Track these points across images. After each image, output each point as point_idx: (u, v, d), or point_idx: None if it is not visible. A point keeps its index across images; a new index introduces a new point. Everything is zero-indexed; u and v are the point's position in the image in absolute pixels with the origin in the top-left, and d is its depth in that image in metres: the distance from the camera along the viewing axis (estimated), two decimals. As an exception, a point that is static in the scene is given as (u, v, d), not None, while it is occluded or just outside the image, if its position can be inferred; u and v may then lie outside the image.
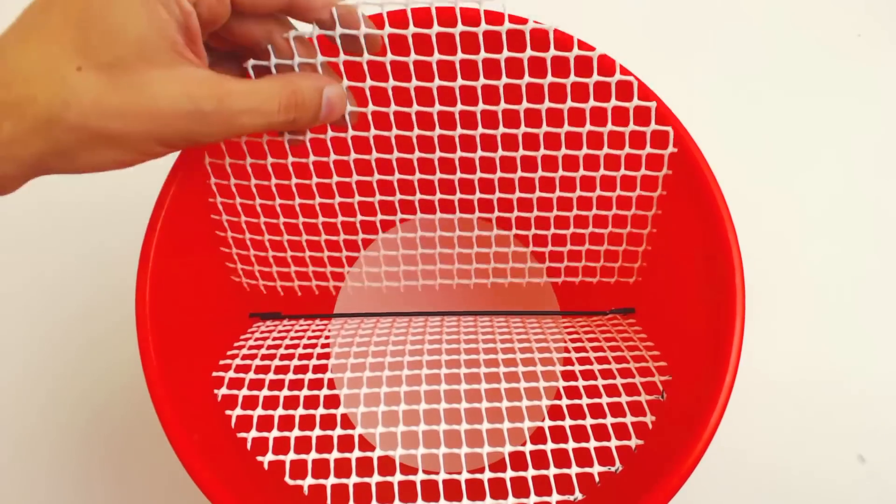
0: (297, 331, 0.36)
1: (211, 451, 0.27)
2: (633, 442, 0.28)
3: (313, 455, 0.27)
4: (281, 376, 0.31)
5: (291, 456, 0.27)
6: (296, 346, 0.34)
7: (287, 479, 0.27)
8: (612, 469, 0.27)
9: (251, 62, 0.27)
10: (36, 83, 0.21)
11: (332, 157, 0.31)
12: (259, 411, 0.29)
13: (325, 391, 0.30)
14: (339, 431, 0.28)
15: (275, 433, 0.28)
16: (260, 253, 0.35)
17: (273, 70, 0.27)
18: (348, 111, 0.29)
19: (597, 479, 0.27)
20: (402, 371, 0.31)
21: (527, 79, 0.29)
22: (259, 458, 0.28)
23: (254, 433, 0.29)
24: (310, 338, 0.35)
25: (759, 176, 0.48)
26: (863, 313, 0.46)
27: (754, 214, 0.39)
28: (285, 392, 0.30)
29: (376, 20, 0.28)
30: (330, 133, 0.30)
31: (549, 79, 0.29)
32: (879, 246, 0.47)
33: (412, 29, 0.28)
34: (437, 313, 0.40)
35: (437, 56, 0.28)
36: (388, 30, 0.28)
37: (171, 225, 0.30)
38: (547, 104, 0.30)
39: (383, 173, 0.32)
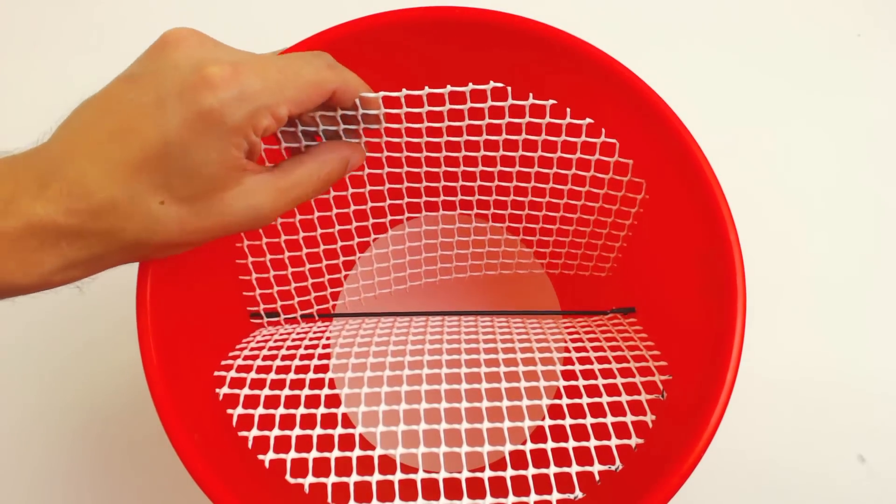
0: (298, 332, 0.36)
1: (211, 450, 0.27)
2: (634, 441, 0.28)
3: (314, 454, 0.27)
4: (282, 376, 0.31)
5: (292, 455, 0.27)
6: (297, 347, 0.34)
7: (288, 477, 0.27)
8: (613, 468, 0.27)
9: (279, 129, 0.28)
10: (123, 216, 0.23)
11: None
12: (260, 410, 0.29)
13: (326, 390, 0.30)
14: (339, 430, 0.28)
15: (276, 432, 0.28)
16: (275, 257, 0.35)
17: (300, 133, 0.29)
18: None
19: (597, 477, 0.27)
20: (402, 371, 0.31)
21: (523, 135, 0.32)
22: (260, 457, 0.28)
23: (255, 432, 0.29)
24: (311, 338, 0.35)
25: (759, 175, 0.48)
26: (863, 313, 0.46)
27: (755, 214, 0.40)
28: (286, 391, 0.30)
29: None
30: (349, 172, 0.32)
31: (543, 136, 0.32)
32: (879, 246, 0.47)
33: (426, 107, 0.30)
34: (438, 313, 0.40)
35: (446, 122, 0.31)
36: (405, 108, 0.29)
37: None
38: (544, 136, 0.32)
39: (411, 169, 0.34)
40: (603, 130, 0.32)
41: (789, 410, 0.44)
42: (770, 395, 0.44)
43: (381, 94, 0.28)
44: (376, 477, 0.27)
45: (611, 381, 0.30)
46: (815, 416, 0.44)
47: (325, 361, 0.33)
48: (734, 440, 0.40)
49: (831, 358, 0.45)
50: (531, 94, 0.30)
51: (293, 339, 0.35)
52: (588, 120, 0.32)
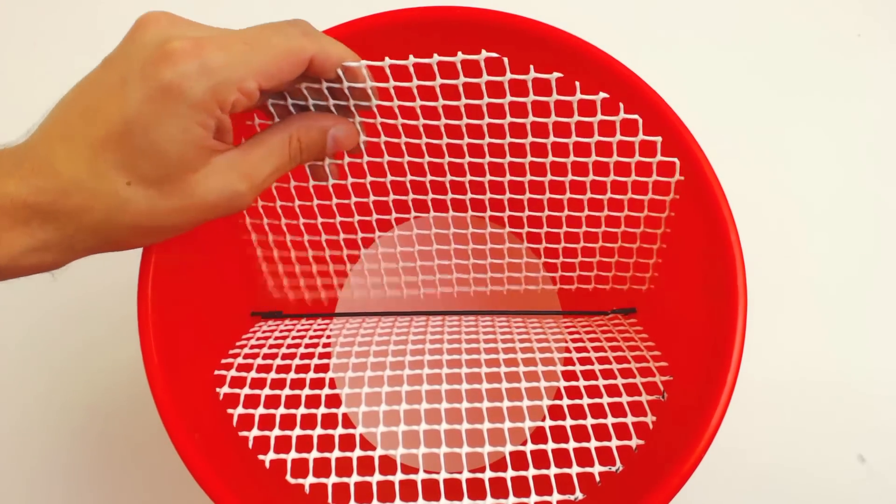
0: (298, 330, 0.36)
1: (212, 450, 0.27)
2: (634, 442, 0.28)
3: (315, 454, 0.27)
4: (283, 375, 0.31)
5: (293, 455, 0.27)
6: (298, 346, 0.34)
7: (288, 477, 0.27)
8: (613, 469, 0.27)
9: (270, 101, 0.28)
10: (91, 195, 0.23)
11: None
12: (261, 410, 0.29)
13: (326, 390, 0.30)
14: (340, 430, 0.28)
15: (276, 432, 0.28)
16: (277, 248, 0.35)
17: (290, 107, 0.28)
18: (362, 140, 0.30)
19: (597, 478, 0.27)
20: (403, 371, 0.31)
21: (531, 118, 0.30)
22: (260, 457, 0.28)
23: (255, 432, 0.29)
24: (311, 337, 0.35)
25: (760, 176, 0.48)
26: (863, 313, 0.46)
27: (755, 215, 0.39)
28: (287, 391, 0.30)
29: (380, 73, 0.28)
30: (347, 159, 0.32)
31: (553, 118, 0.30)
32: (879, 246, 0.47)
33: (416, 82, 0.28)
34: (439, 313, 0.40)
35: (441, 101, 0.29)
36: (392, 83, 0.28)
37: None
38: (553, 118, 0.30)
39: (402, 174, 0.33)
40: (619, 107, 0.30)
41: (789, 410, 0.44)
42: (770, 395, 0.44)
43: (364, 62, 0.27)
44: (377, 477, 0.27)
45: (611, 381, 0.30)
46: (816, 416, 0.44)
47: (325, 361, 0.33)
48: (734, 440, 0.40)
49: (831, 358, 0.45)
50: (531, 66, 0.28)
51: (293, 338, 0.35)
52: (603, 94, 0.29)
